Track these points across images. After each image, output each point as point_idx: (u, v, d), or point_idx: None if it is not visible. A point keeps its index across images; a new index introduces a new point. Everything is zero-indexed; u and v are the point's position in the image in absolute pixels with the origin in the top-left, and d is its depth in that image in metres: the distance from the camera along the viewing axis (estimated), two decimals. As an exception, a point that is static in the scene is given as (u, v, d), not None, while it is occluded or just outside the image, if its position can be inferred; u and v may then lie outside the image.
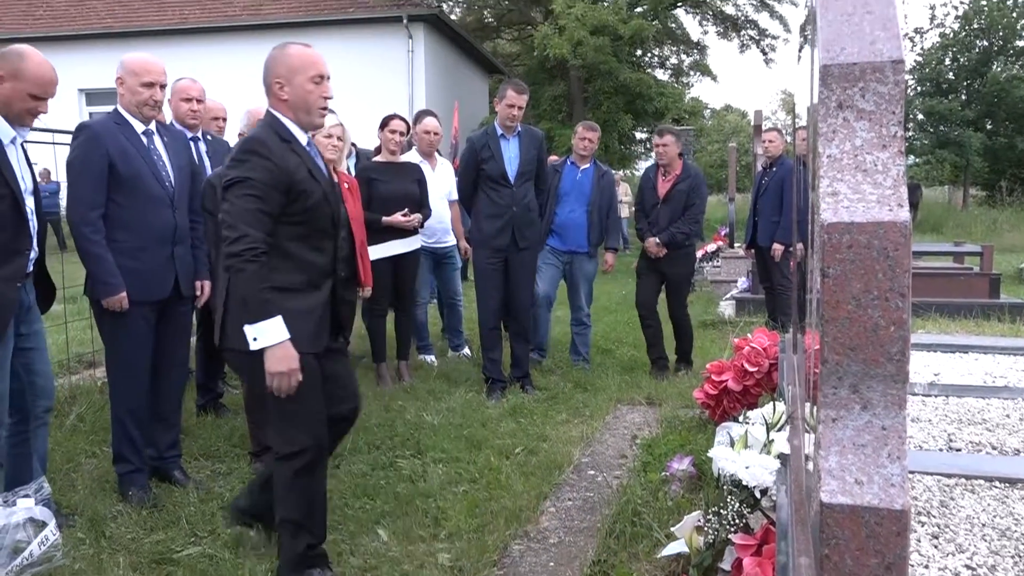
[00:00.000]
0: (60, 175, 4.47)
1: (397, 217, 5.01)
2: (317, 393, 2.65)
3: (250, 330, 2.44)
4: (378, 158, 5.35)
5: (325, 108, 2.70)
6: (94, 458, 3.84)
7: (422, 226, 5.27)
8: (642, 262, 5.90)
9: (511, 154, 5.10)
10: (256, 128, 2.68)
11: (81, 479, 3.57)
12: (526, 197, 5.14)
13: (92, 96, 17.84)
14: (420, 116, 5.85)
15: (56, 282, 3.24)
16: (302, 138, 2.65)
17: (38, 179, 3.12)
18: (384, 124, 5.27)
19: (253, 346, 2.45)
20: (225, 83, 13.66)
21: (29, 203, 2.93)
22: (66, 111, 17.35)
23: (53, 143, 4.76)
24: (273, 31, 16.98)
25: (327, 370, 2.74)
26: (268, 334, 2.45)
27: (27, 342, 3.03)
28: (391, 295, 5.25)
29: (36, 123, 3.08)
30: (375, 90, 15.69)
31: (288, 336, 2.47)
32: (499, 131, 5.12)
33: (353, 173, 5.08)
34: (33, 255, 2.97)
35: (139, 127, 3.36)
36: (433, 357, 6.00)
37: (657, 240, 5.63)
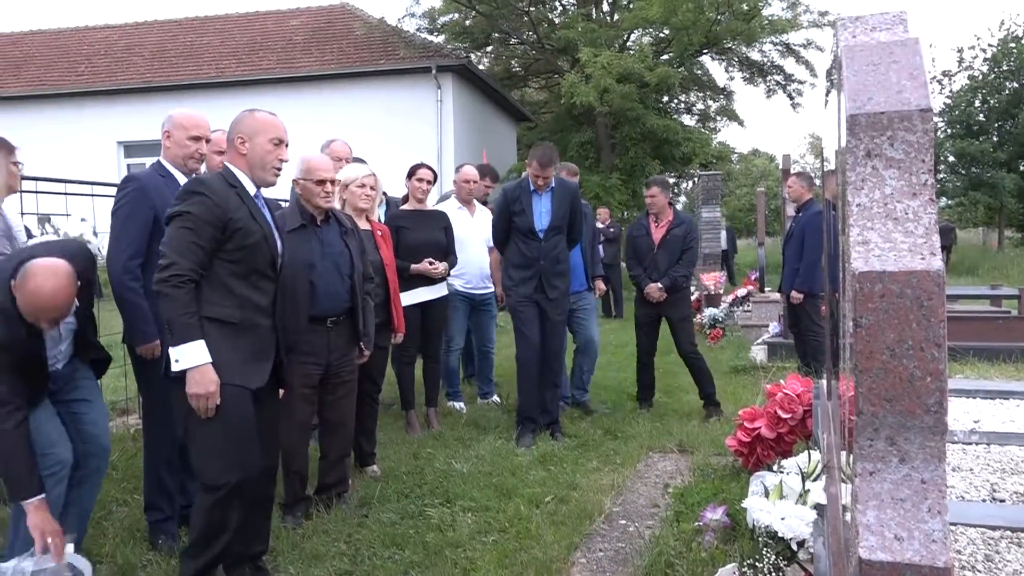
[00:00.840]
0: (97, 225, 4.56)
1: (424, 265, 5.06)
2: (245, 428, 2.79)
3: (173, 352, 2.63)
4: (406, 206, 5.42)
5: (278, 169, 2.95)
6: (125, 506, 3.85)
7: (448, 274, 5.31)
8: (641, 311, 6.05)
9: (542, 208, 5.17)
10: (207, 173, 2.92)
11: (112, 527, 3.57)
12: (555, 249, 5.19)
13: (130, 148, 18.32)
14: (460, 166, 6.09)
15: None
16: (250, 188, 2.88)
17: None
18: (411, 173, 5.35)
19: (175, 367, 2.62)
20: (259, 134, 13.93)
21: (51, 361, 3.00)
22: (105, 163, 17.88)
23: (92, 195, 4.88)
24: (306, 83, 17.40)
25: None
26: (189, 356, 2.62)
27: (73, 394, 3.10)
28: (419, 342, 5.27)
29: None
30: (405, 139, 15.93)
31: (209, 360, 2.64)
32: (532, 186, 5.18)
33: (383, 221, 5.14)
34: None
35: (182, 179, 3.44)
36: (462, 404, 5.98)
37: (659, 285, 5.78)
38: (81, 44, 20.91)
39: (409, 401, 5.35)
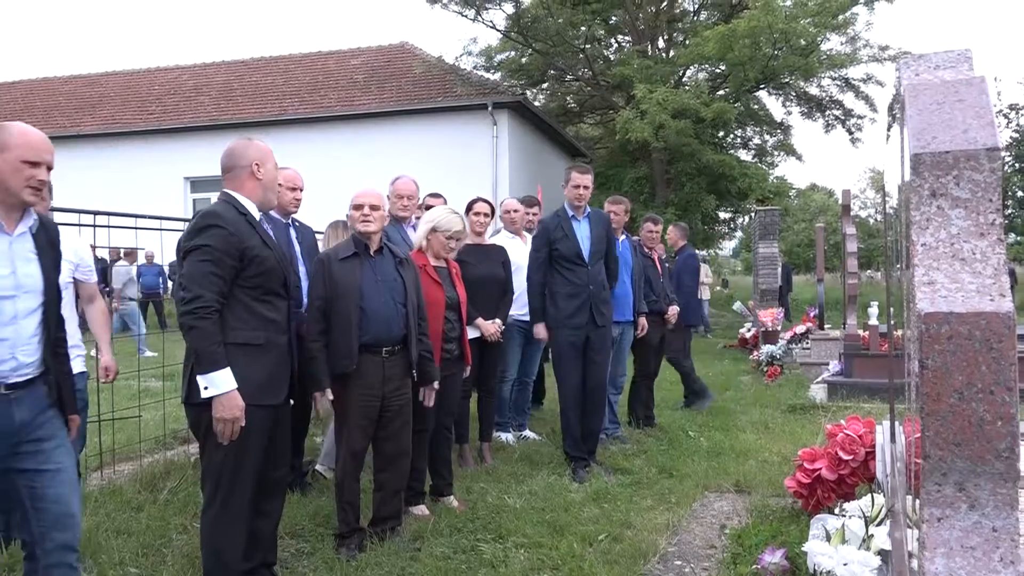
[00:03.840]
0: (163, 258, 4.70)
1: (491, 328, 5.14)
2: (258, 452, 2.96)
3: (201, 380, 2.77)
4: (465, 240, 5.47)
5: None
6: (185, 533, 3.92)
7: (502, 328, 5.34)
8: (652, 334, 6.46)
9: (583, 234, 5.24)
10: (213, 204, 3.05)
11: (171, 555, 3.64)
12: (600, 275, 5.27)
13: (196, 183, 18.95)
14: (502, 201, 6.24)
15: (156, 360, 3.39)
16: (256, 213, 3.04)
17: (143, 260, 3.32)
18: (469, 208, 5.42)
19: (204, 394, 2.76)
20: (320, 169, 14.33)
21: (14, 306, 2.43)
22: (173, 197, 18.50)
23: (160, 229, 5.06)
24: (366, 121, 17.82)
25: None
26: (217, 383, 2.76)
27: (35, 463, 2.46)
28: (476, 375, 5.28)
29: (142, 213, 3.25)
30: (461, 174, 16.14)
31: (235, 386, 2.78)
32: (570, 212, 5.27)
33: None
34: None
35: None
36: (511, 435, 5.96)
37: (677, 309, 6.67)
38: (152, 84, 21.82)
39: (463, 435, 5.35)
